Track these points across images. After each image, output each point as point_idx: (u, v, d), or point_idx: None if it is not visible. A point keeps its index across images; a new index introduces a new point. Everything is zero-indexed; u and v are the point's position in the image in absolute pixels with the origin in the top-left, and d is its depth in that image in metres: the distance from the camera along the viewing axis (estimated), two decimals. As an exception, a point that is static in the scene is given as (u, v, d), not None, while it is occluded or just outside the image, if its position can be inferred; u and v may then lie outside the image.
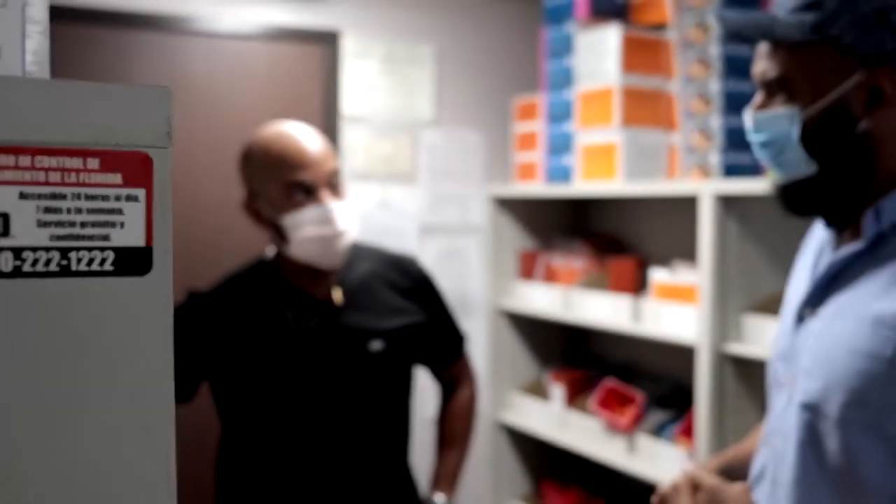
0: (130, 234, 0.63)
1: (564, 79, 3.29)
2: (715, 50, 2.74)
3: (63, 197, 0.62)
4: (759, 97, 1.40)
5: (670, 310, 2.81)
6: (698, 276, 2.65)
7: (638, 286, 3.11)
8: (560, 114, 3.32)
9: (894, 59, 1.28)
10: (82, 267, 0.62)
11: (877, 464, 1.24)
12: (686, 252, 2.94)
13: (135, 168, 0.63)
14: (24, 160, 0.60)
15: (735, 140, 2.72)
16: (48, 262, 0.61)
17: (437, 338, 2.16)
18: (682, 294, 2.79)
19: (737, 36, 1.41)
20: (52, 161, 0.61)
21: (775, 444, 1.40)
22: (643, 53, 3.04)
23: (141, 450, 0.63)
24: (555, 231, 3.75)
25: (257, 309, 1.98)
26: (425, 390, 3.08)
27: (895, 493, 1.24)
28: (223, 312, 1.98)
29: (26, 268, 0.60)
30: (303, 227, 1.87)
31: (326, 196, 1.89)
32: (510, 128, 3.72)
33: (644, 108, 3.04)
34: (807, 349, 1.35)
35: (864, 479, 1.25)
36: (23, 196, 0.60)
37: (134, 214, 0.63)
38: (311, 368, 1.94)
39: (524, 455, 3.75)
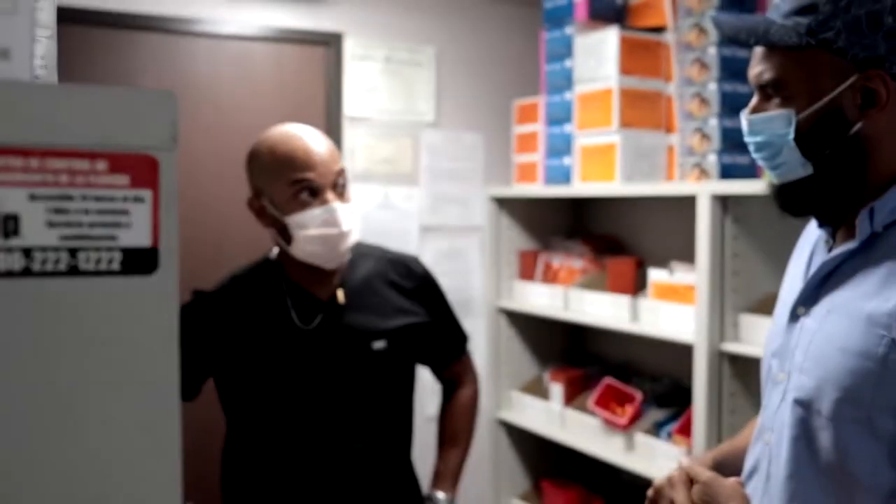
0: (137, 235, 0.64)
1: (564, 81, 3.30)
2: (712, 52, 2.76)
3: (71, 198, 0.62)
4: (754, 100, 1.41)
5: (668, 309, 2.83)
6: (696, 276, 2.66)
7: (636, 286, 3.12)
8: (559, 115, 3.33)
9: (888, 62, 1.29)
10: (90, 266, 0.62)
11: (868, 460, 1.26)
12: (684, 252, 2.96)
13: (141, 170, 0.64)
14: (34, 162, 0.61)
15: (732, 141, 2.74)
16: (57, 262, 0.61)
17: (439, 337, 2.17)
18: (679, 294, 2.80)
19: (733, 39, 1.42)
20: (60, 163, 0.62)
21: (769, 440, 1.42)
22: (641, 56, 3.05)
23: (147, 445, 0.64)
24: (554, 231, 3.76)
25: (261, 308, 1.99)
26: (425, 389, 3.09)
27: (886, 489, 1.25)
28: (227, 312, 2.00)
29: (36, 267, 0.61)
30: (308, 227, 1.88)
31: (332, 197, 1.90)
32: (510, 129, 3.73)
33: (642, 109, 3.05)
34: (800, 347, 1.37)
35: (855, 475, 1.27)
36: (32, 197, 0.61)
37: (140, 215, 0.64)
38: (313, 367, 1.95)
39: (524, 453, 3.76)
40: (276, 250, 2.06)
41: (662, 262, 3.04)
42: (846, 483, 1.28)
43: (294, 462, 1.95)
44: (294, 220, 1.89)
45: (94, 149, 0.63)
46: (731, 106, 2.74)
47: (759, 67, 1.39)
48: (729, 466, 1.53)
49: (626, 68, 3.03)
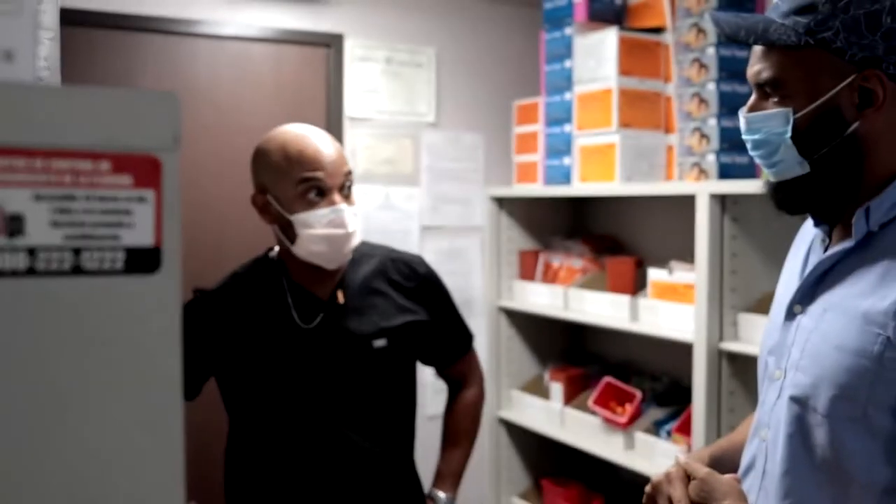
0: (140, 234, 0.64)
1: (563, 81, 3.31)
2: (711, 53, 2.76)
3: (75, 198, 0.63)
4: (752, 98, 1.42)
5: (668, 308, 2.83)
6: (695, 275, 2.67)
7: (636, 285, 3.13)
8: (559, 116, 3.34)
9: (885, 62, 1.30)
10: (94, 266, 0.63)
11: (864, 457, 1.27)
12: (683, 252, 2.96)
13: (144, 170, 0.64)
14: (38, 163, 0.61)
15: (731, 141, 2.74)
16: (61, 262, 0.62)
17: (442, 336, 2.18)
18: (679, 293, 2.81)
19: (732, 38, 1.43)
20: (64, 164, 0.62)
21: (765, 436, 1.43)
22: (641, 56, 3.06)
23: (149, 445, 0.64)
24: (554, 231, 3.77)
25: (262, 307, 1.99)
26: (426, 389, 3.10)
27: (881, 485, 1.26)
28: (229, 310, 2.00)
29: (40, 267, 0.61)
30: (313, 226, 1.89)
31: (339, 199, 1.90)
32: (510, 129, 3.73)
33: (642, 110, 3.06)
34: (797, 345, 1.38)
35: (850, 472, 1.28)
36: (37, 197, 0.61)
37: (143, 215, 0.64)
38: (314, 366, 1.95)
39: (524, 452, 3.77)
40: (277, 249, 2.06)
41: (662, 262, 3.04)
42: (841, 479, 1.29)
43: (296, 460, 1.96)
44: (300, 218, 1.89)
45: (98, 149, 0.63)
46: (729, 106, 2.75)
47: (757, 66, 1.39)
48: (726, 462, 1.54)
49: (625, 69, 3.04)
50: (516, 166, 3.65)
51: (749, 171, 2.75)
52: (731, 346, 2.59)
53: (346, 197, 1.94)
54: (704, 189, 2.61)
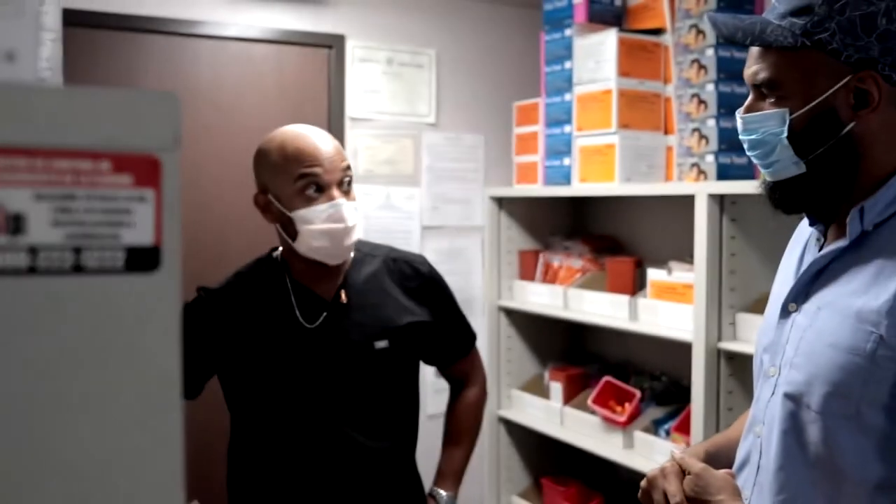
0: (140, 233, 0.65)
1: (563, 82, 3.32)
2: (710, 54, 2.77)
3: (76, 198, 0.63)
4: (749, 98, 1.43)
5: (667, 308, 2.84)
6: (694, 275, 2.68)
7: (635, 285, 3.14)
8: (559, 117, 3.35)
9: (881, 63, 1.31)
10: (94, 265, 0.63)
11: (856, 454, 1.28)
12: (682, 252, 2.97)
13: (144, 170, 0.65)
14: (39, 163, 0.62)
15: (730, 142, 2.75)
16: (62, 261, 0.62)
17: (444, 336, 2.18)
18: (678, 293, 2.82)
19: (729, 39, 1.44)
20: (65, 163, 0.63)
21: (760, 432, 1.44)
22: (640, 57, 3.07)
23: (149, 442, 0.65)
24: (554, 231, 3.78)
25: (265, 306, 2.00)
26: (426, 388, 3.10)
27: (873, 482, 1.27)
28: (232, 309, 2.01)
29: (41, 266, 0.62)
30: (313, 222, 1.90)
31: (338, 194, 1.92)
32: (510, 130, 3.74)
33: (641, 110, 3.07)
34: (791, 342, 1.39)
35: (843, 468, 1.29)
36: (37, 197, 0.62)
37: (143, 214, 0.65)
38: (317, 365, 1.96)
39: (524, 451, 3.78)
40: (279, 249, 2.07)
41: (661, 262, 3.05)
42: (834, 476, 1.31)
43: (298, 459, 1.97)
44: (299, 215, 1.91)
45: (98, 149, 0.64)
46: (728, 107, 2.76)
47: (754, 67, 1.40)
48: (721, 458, 1.55)
49: (624, 70, 3.05)
50: (516, 167, 3.66)
51: (748, 172, 2.76)
52: (729, 345, 2.60)
53: (346, 192, 1.95)
54: (703, 189, 2.62)
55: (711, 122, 2.78)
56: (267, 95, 3.49)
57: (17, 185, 0.61)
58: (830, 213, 1.41)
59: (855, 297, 1.30)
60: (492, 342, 3.72)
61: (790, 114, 1.36)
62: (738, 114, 1.45)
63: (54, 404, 0.61)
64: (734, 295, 2.65)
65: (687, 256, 2.86)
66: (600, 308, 3.16)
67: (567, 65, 3.30)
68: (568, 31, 3.30)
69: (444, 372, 2.30)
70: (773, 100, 1.38)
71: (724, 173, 2.76)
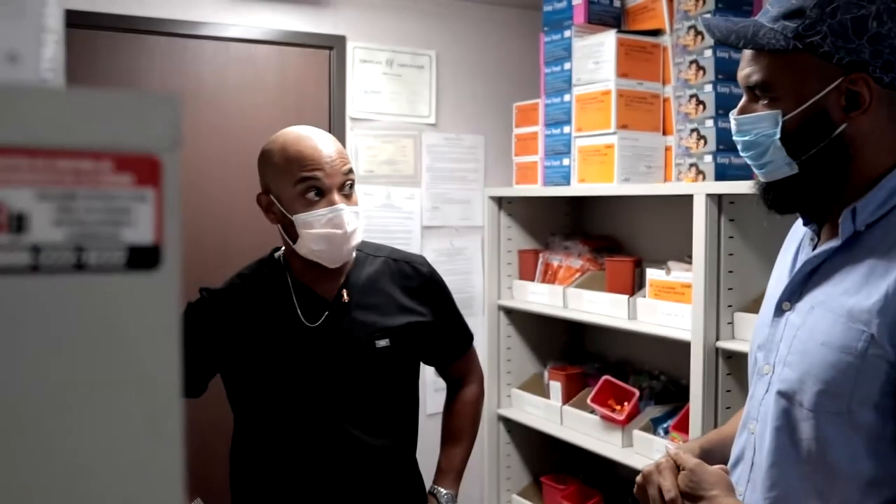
0: (141, 233, 0.66)
1: (563, 83, 3.33)
2: (709, 55, 2.78)
3: (77, 197, 0.64)
4: (743, 100, 1.45)
5: (665, 308, 2.85)
6: (692, 275, 2.69)
7: (634, 285, 3.15)
8: (559, 117, 3.36)
9: (871, 66, 1.32)
10: (95, 263, 0.64)
11: (847, 451, 1.29)
12: (681, 252, 2.98)
13: (145, 170, 0.66)
14: (41, 163, 0.63)
15: (729, 143, 2.76)
16: (64, 259, 0.63)
17: (443, 336, 2.20)
18: (676, 292, 2.83)
19: (723, 42, 1.45)
20: (67, 163, 0.64)
21: (754, 429, 1.46)
22: (639, 58, 3.08)
23: (150, 441, 0.65)
24: (553, 231, 3.79)
25: (267, 306, 2.02)
26: (426, 387, 3.12)
27: (864, 478, 1.29)
28: (234, 309, 2.02)
29: (42, 265, 0.63)
30: (313, 226, 1.91)
31: (339, 199, 1.92)
32: (510, 131, 3.75)
33: (640, 111, 3.08)
34: (784, 341, 1.41)
35: (834, 464, 1.31)
36: (39, 196, 0.63)
37: (144, 214, 0.66)
38: (318, 365, 1.98)
39: (524, 449, 3.79)
40: (282, 249, 2.09)
41: (660, 262, 3.06)
42: (826, 472, 1.32)
43: (299, 457, 1.98)
44: (300, 218, 1.92)
45: (99, 149, 0.65)
46: (727, 107, 2.76)
47: (747, 69, 1.42)
48: (716, 454, 1.57)
49: (623, 71, 3.06)
50: (516, 167, 3.67)
51: (745, 172, 2.77)
52: (727, 344, 2.61)
53: (347, 196, 1.95)
54: (702, 189, 2.63)
55: (710, 123, 2.79)
56: (268, 96, 3.50)
57: (20, 184, 0.62)
58: (823, 213, 1.43)
59: (847, 296, 1.32)
60: (492, 341, 3.74)
61: (783, 115, 1.37)
62: (732, 115, 1.46)
63: (56, 401, 0.62)
64: (732, 294, 2.66)
65: (685, 256, 2.87)
66: (599, 307, 3.17)
67: (566, 66, 3.31)
68: (567, 33, 3.31)
69: (442, 371, 2.31)
70: (766, 101, 1.40)
71: (722, 173, 2.77)
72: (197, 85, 3.38)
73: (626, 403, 3.13)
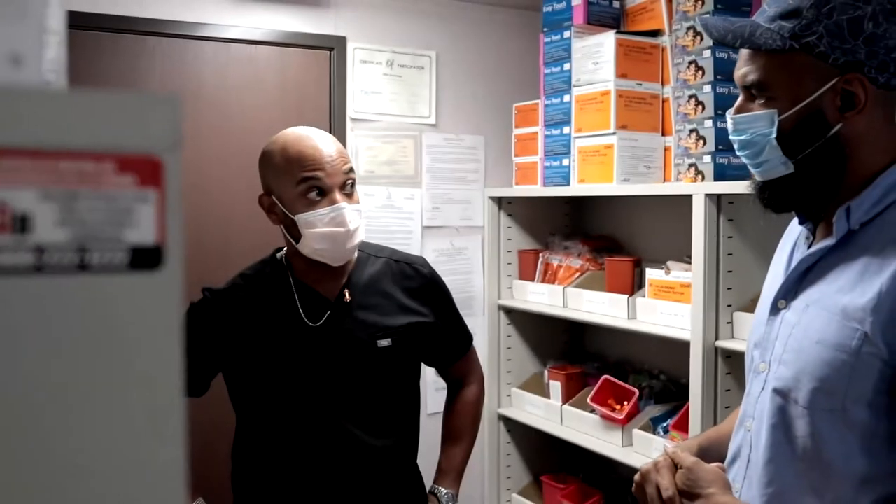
0: (143, 233, 0.66)
1: (562, 84, 3.34)
2: (708, 55, 2.79)
3: (80, 198, 0.65)
4: (739, 100, 1.46)
5: (665, 307, 2.86)
6: (692, 274, 2.70)
7: (634, 285, 3.15)
8: (558, 118, 3.37)
9: (867, 66, 1.33)
10: (98, 263, 0.65)
11: (842, 448, 1.30)
12: (680, 252, 2.99)
13: (147, 171, 0.66)
14: (44, 164, 0.64)
15: (728, 143, 2.75)
16: (66, 260, 0.64)
17: (444, 337, 2.20)
18: (676, 292, 2.84)
19: (720, 42, 1.46)
20: (69, 164, 0.64)
21: (750, 427, 1.47)
22: (638, 59, 3.09)
23: (152, 441, 0.66)
24: (553, 231, 3.80)
25: (270, 306, 2.02)
26: (426, 387, 3.12)
27: (859, 475, 1.30)
28: (237, 309, 2.03)
29: (45, 265, 0.63)
30: (315, 225, 1.92)
31: (340, 198, 1.93)
32: (510, 131, 3.76)
33: (639, 112, 3.09)
34: (780, 339, 1.42)
35: (829, 461, 1.32)
36: (42, 197, 0.64)
37: (146, 214, 0.66)
38: (320, 364, 1.98)
39: (524, 449, 3.80)
40: (284, 250, 2.09)
41: (659, 262, 3.07)
42: (821, 469, 1.33)
43: (301, 456, 1.98)
44: (302, 218, 1.92)
45: (102, 151, 0.65)
46: (726, 108, 2.76)
47: (744, 69, 1.43)
48: (713, 452, 1.58)
49: (623, 71, 3.07)
50: (516, 167, 3.68)
51: (744, 173, 2.75)
52: (726, 344, 2.61)
53: (348, 195, 1.96)
54: (701, 189, 2.64)
55: (709, 123, 2.79)
56: (269, 97, 3.51)
57: (23, 185, 0.63)
58: (818, 212, 1.43)
59: (841, 294, 1.33)
60: (492, 341, 3.74)
61: (779, 115, 1.38)
62: (729, 114, 1.47)
63: (59, 401, 0.62)
64: (731, 294, 2.66)
65: (685, 256, 2.88)
66: (599, 307, 3.18)
67: (566, 66, 3.32)
68: (567, 33, 3.32)
69: (442, 372, 2.32)
70: (762, 101, 1.41)
71: (721, 173, 2.77)
72: (198, 86, 3.39)
73: (625, 403, 3.13)
